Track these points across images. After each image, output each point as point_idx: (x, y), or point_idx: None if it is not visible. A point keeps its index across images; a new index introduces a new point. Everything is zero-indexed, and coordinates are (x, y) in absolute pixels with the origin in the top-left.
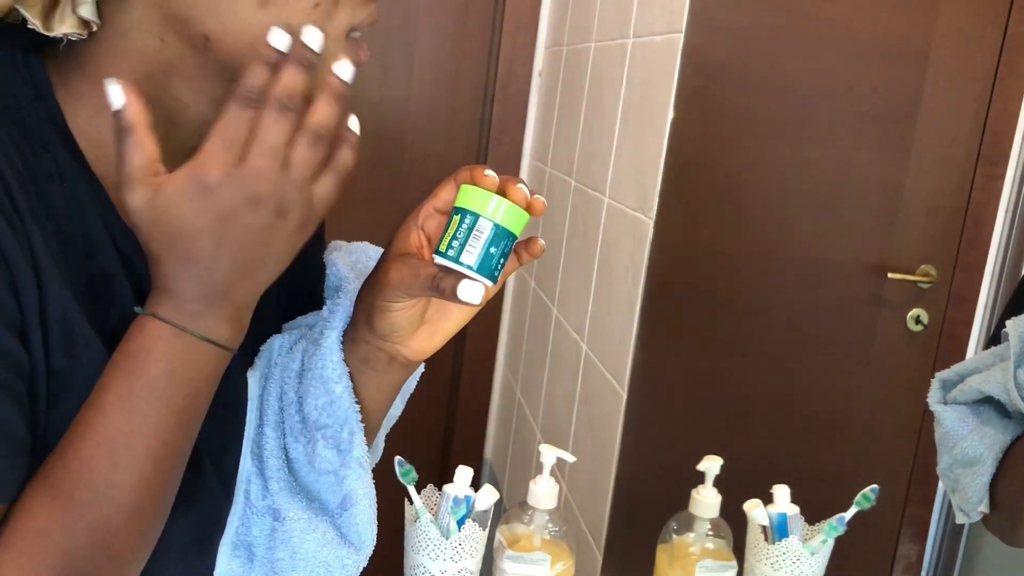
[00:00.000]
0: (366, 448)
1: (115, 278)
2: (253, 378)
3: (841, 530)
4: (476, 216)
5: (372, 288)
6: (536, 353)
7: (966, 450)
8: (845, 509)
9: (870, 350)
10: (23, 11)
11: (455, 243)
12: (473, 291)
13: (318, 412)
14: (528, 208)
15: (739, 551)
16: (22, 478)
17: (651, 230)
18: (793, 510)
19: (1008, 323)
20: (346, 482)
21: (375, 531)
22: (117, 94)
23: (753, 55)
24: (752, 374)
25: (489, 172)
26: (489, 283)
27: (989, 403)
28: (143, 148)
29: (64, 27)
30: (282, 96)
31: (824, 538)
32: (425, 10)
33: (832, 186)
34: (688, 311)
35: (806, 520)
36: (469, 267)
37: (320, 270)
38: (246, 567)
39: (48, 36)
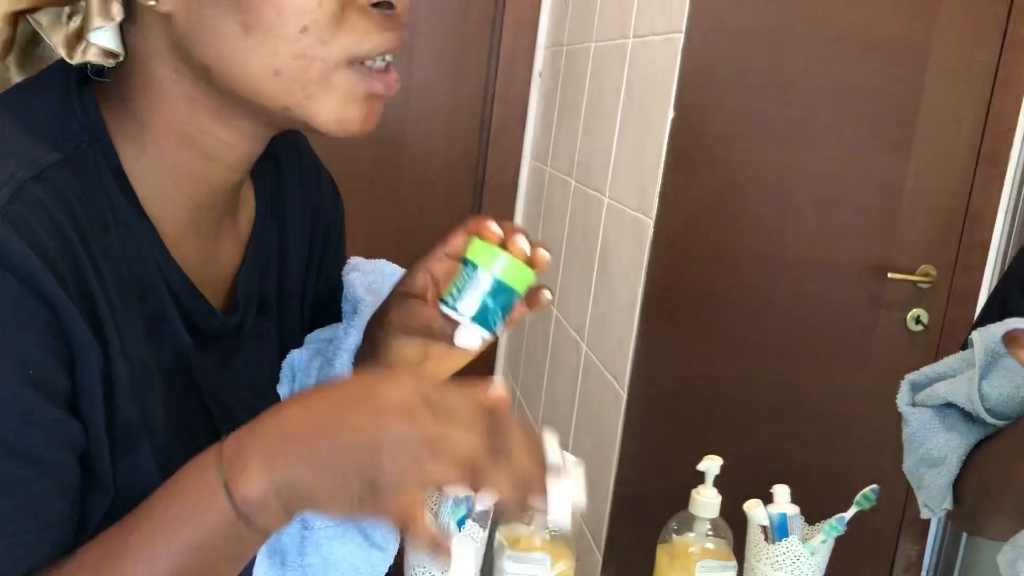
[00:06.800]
0: None
1: (168, 317)
2: (282, 392)
3: (841, 530)
4: (476, 267)
5: (377, 323)
6: (536, 353)
7: (931, 451)
8: (845, 509)
9: (870, 350)
10: (47, 38)
11: (455, 291)
12: (470, 337)
13: None
14: (531, 262)
15: (739, 551)
16: (47, 552)
17: (651, 230)
18: (793, 510)
19: (973, 334)
20: None
21: (398, 532)
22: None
23: (753, 55)
24: (752, 374)
25: (493, 226)
26: (486, 334)
27: (954, 407)
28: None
29: (87, 55)
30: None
31: (824, 538)
32: (425, 10)
33: (832, 186)
34: (688, 311)
35: (806, 520)
36: (465, 316)
37: (339, 285)
38: (279, 573)
39: (97, 70)
